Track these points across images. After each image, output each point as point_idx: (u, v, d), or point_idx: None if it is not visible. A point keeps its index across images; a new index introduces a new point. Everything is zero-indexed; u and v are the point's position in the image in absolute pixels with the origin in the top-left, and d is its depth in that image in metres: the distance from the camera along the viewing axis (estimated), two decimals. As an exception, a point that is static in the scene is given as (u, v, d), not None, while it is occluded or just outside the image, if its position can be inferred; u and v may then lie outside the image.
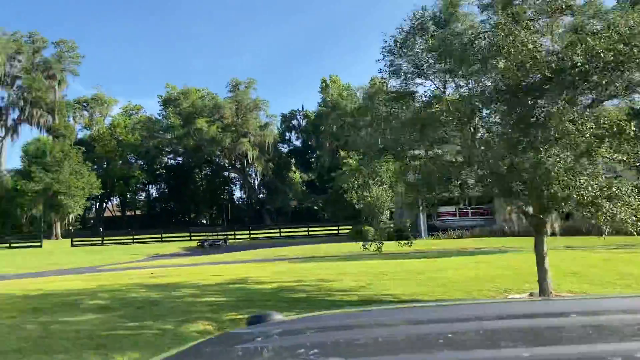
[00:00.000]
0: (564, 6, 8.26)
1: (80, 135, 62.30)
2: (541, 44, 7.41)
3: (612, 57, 6.98)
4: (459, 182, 8.59)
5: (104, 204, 65.50)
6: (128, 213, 68.89)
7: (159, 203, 69.74)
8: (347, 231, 35.41)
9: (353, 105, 60.45)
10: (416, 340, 1.32)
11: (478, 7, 9.27)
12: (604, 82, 7.73)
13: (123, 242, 40.13)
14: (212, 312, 10.03)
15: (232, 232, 41.12)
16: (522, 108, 7.67)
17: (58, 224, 49.73)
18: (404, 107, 9.94)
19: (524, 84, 7.58)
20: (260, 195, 68.07)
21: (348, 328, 1.50)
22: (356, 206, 31.23)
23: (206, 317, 9.51)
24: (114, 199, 67.23)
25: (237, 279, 15.04)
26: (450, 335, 1.31)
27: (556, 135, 6.75)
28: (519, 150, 7.26)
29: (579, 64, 6.90)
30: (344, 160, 33.92)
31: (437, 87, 9.73)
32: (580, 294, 11.13)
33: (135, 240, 40.41)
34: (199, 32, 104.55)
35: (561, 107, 6.74)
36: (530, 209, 10.15)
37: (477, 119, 8.62)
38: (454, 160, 9.85)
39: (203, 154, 61.26)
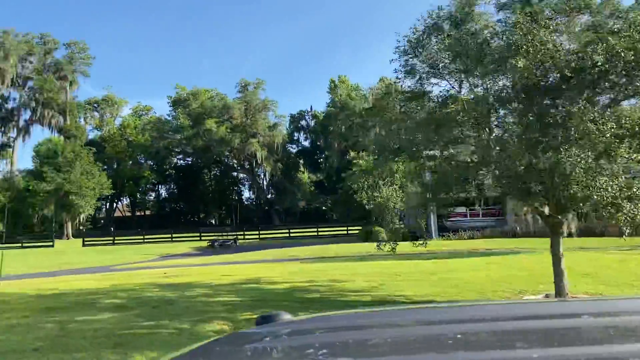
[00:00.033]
0: (582, 5, 8.18)
1: (90, 135, 62.82)
2: (561, 43, 7.36)
3: (632, 57, 6.91)
4: (476, 182, 8.55)
5: (114, 204, 65.95)
6: (138, 213, 69.29)
7: (168, 203, 70.06)
8: (357, 232, 35.36)
9: (362, 106, 60.51)
10: (427, 340, 1.31)
11: (495, 7, 9.21)
12: (622, 81, 7.67)
13: (134, 242, 40.37)
14: (227, 312, 10.06)
15: (242, 233, 41.22)
16: (541, 108, 7.61)
17: (69, 224, 50.12)
18: (419, 107, 9.92)
19: (542, 83, 7.53)
20: (269, 196, 68.18)
21: (357, 328, 1.49)
22: (366, 207, 31.26)
23: (221, 317, 9.53)
24: (124, 199, 67.67)
25: (250, 279, 15.07)
26: (460, 335, 1.29)
27: (576, 135, 6.69)
28: (538, 150, 7.21)
29: (599, 63, 6.84)
30: (354, 161, 33.87)
31: (453, 87, 9.69)
32: (596, 295, 11.03)
33: (146, 240, 40.64)
34: (207, 33, 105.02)
35: (582, 107, 6.68)
36: (546, 210, 10.08)
37: (493, 118, 8.56)
38: (469, 160, 9.80)
39: (212, 154, 61.47)
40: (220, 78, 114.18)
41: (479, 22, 9.91)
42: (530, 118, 8.13)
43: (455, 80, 9.55)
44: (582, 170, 6.59)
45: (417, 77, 9.93)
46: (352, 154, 35.70)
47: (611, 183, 7.08)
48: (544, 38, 7.20)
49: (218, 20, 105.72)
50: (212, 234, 42.46)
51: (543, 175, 7.71)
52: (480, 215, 31.06)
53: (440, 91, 9.67)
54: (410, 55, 10.33)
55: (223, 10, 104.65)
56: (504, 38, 7.92)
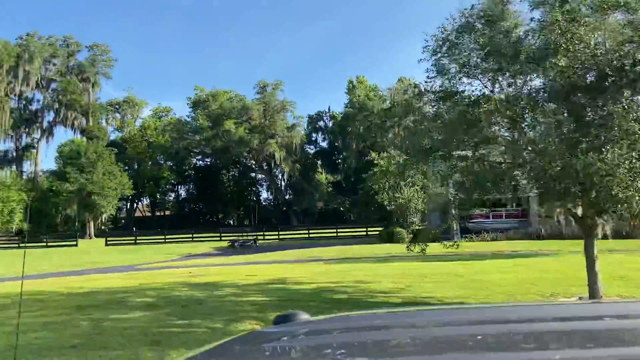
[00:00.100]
0: (621, 2, 8.02)
1: (112, 136, 63.72)
2: (602, 42, 7.22)
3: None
4: (512, 183, 8.44)
5: (135, 204, 66.79)
6: (158, 213, 70.02)
7: (187, 203, 70.65)
8: (377, 233, 35.23)
9: (381, 107, 60.28)
10: (446, 342, 1.29)
11: (529, 5, 9.08)
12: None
13: (155, 242, 40.79)
14: (257, 312, 10.10)
15: (262, 233, 41.36)
16: (579, 107, 7.48)
17: (91, 224, 50.88)
18: (451, 107, 9.83)
19: (581, 82, 7.40)
20: (287, 196, 68.31)
21: (376, 329, 1.48)
22: (387, 207, 31.16)
23: (252, 317, 9.57)
24: (144, 199, 68.44)
25: (275, 279, 15.11)
26: (479, 337, 1.27)
27: (619, 134, 6.56)
28: (579, 150, 7.09)
29: (641, 61, 6.71)
30: (375, 162, 33.78)
31: (485, 87, 9.58)
32: (630, 298, 10.81)
33: (167, 240, 41.04)
34: (226, 35, 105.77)
35: (625, 106, 6.55)
36: (579, 211, 9.91)
37: (529, 118, 8.45)
38: (501, 160, 9.69)
39: (231, 155, 61.79)
40: (239, 79, 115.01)
41: (512, 20, 9.80)
42: (569, 117, 7.99)
43: (488, 79, 9.44)
44: (625, 171, 6.45)
45: (449, 76, 9.85)
46: (373, 154, 35.57)
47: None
48: (584, 36, 7.08)
49: (236, 22, 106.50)
50: (232, 234, 42.72)
51: (581, 176, 7.58)
52: (503, 217, 30.69)
53: (473, 91, 9.56)
54: (438, 55, 10.26)
55: (241, 12, 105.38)
56: (540, 36, 7.79)
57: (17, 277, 15.25)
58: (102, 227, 53.90)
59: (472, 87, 9.60)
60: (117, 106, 65.46)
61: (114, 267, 23.44)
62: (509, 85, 9.40)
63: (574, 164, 7.57)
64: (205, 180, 66.10)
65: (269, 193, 72.53)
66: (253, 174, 70.01)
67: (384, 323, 1.57)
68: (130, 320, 9.43)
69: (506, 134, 10.15)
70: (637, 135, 6.41)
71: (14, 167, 57.86)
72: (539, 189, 8.23)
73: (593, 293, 10.06)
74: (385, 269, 17.64)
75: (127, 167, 58.21)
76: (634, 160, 6.48)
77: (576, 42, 7.44)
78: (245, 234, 41.96)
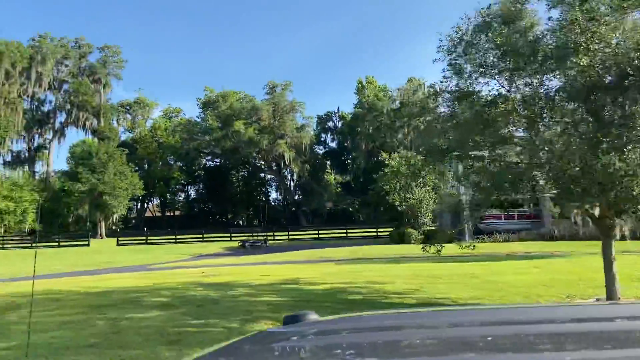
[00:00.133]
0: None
1: (122, 137, 64.15)
2: (624, 40, 7.14)
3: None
4: (531, 183, 8.36)
5: (145, 204, 67.19)
6: (168, 213, 70.40)
7: (197, 204, 70.96)
8: (387, 233, 35.12)
9: (390, 107, 60.12)
10: (456, 342, 1.28)
11: (547, 4, 9.01)
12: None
13: (166, 242, 41.00)
14: (272, 312, 10.09)
15: (272, 233, 41.42)
16: (600, 107, 7.40)
17: (102, 224, 51.25)
18: (466, 107, 9.77)
19: (602, 82, 7.32)
20: (296, 197, 68.37)
21: (385, 329, 1.48)
22: (398, 208, 31.06)
23: (267, 317, 9.57)
24: (154, 200, 68.84)
25: (288, 280, 15.11)
26: (490, 338, 1.26)
27: (641, 134, 6.49)
28: (599, 150, 7.01)
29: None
30: (386, 162, 33.65)
31: (502, 86, 9.52)
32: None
33: (177, 240, 41.24)
34: (235, 36, 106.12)
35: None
36: (596, 211, 9.81)
37: (547, 118, 8.37)
38: (518, 161, 9.61)
39: (240, 155, 61.95)
40: (248, 80, 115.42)
41: (528, 19, 9.73)
42: (589, 118, 7.91)
43: (505, 79, 9.38)
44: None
45: (465, 76, 9.80)
46: (384, 154, 35.45)
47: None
48: (604, 35, 7.00)
49: (245, 23, 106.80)
50: (242, 234, 42.83)
51: (601, 176, 7.50)
52: (515, 218, 30.47)
53: (489, 90, 9.50)
54: (453, 55, 10.21)
55: (250, 13, 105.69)
56: (560, 35, 7.72)
57: (32, 277, 15.39)
58: (113, 227, 54.27)
59: (489, 86, 9.54)
60: (127, 107, 65.94)
61: (127, 266, 23.58)
62: (526, 85, 9.33)
63: (594, 164, 7.49)
64: (214, 181, 66.33)
65: (278, 193, 72.70)
66: (262, 175, 70.15)
67: (394, 323, 1.57)
68: (147, 319, 9.47)
69: (522, 134, 10.07)
70: (659, 135, 6.33)
71: (26, 167, 58.47)
72: (557, 189, 8.14)
73: (610, 294, 9.95)
74: (397, 270, 17.58)
75: (137, 168, 58.61)
76: (657, 161, 6.40)
77: (596, 41, 7.36)
78: (256, 234, 42.05)
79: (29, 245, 41.44)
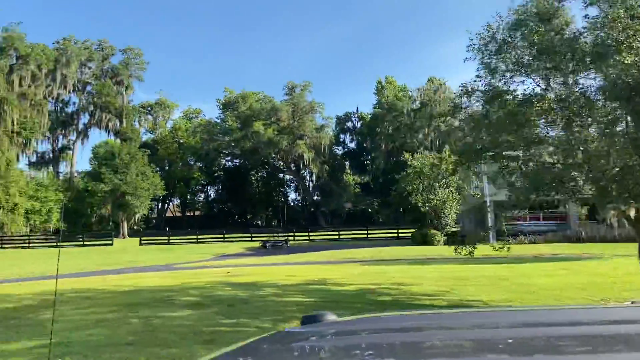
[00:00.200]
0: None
1: (144, 138, 65.02)
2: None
3: None
4: (571, 184, 8.21)
5: (166, 205, 67.96)
6: (188, 213, 71.12)
7: (217, 204, 71.54)
8: (409, 234, 34.89)
9: (410, 107, 59.79)
10: (477, 344, 1.25)
11: (583, 3, 8.84)
12: None
13: (188, 242, 41.38)
14: (302, 312, 10.04)
15: (292, 234, 41.50)
16: (642, 106, 7.23)
17: (125, 223, 51.98)
18: (499, 107, 9.65)
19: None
20: (315, 197, 68.44)
21: (405, 330, 1.46)
22: (422, 209, 30.84)
23: (298, 317, 9.52)
24: (175, 200, 69.58)
25: (315, 280, 15.11)
26: (510, 340, 1.22)
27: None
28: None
29: None
30: (408, 162, 33.40)
31: (538, 85, 9.37)
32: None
33: (199, 240, 41.58)
34: (254, 37, 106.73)
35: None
36: (632, 213, 9.59)
37: (585, 118, 8.21)
38: (553, 161, 9.45)
39: (260, 156, 62.27)
40: (267, 81, 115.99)
41: (563, 17, 9.56)
42: (628, 117, 7.74)
43: (541, 78, 9.23)
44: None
45: (499, 75, 9.67)
46: (406, 155, 35.20)
47: None
48: (649, 32, 6.84)
49: (264, 25, 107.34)
50: (261, 234, 43.01)
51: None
52: (541, 219, 29.97)
53: (525, 89, 9.36)
54: (485, 54, 10.08)
55: (269, 14, 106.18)
56: (601, 34, 7.57)
57: (60, 275, 15.65)
58: (135, 227, 54.99)
59: (524, 85, 9.39)
60: (149, 108, 66.81)
61: (152, 266, 23.86)
62: (562, 84, 9.17)
63: (635, 164, 7.32)
64: (234, 181, 66.80)
65: (297, 194, 72.89)
66: (281, 175, 70.42)
67: (414, 324, 1.55)
68: (179, 318, 9.55)
69: (553, 133, 9.89)
70: None
71: (51, 168, 59.67)
72: (595, 190, 7.98)
73: (648, 298, 9.72)
74: (423, 271, 17.44)
75: (158, 168, 59.30)
76: None
77: (638, 38, 7.19)
78: (276, 234, 42.17)
79: (54, 244, 42.23)
